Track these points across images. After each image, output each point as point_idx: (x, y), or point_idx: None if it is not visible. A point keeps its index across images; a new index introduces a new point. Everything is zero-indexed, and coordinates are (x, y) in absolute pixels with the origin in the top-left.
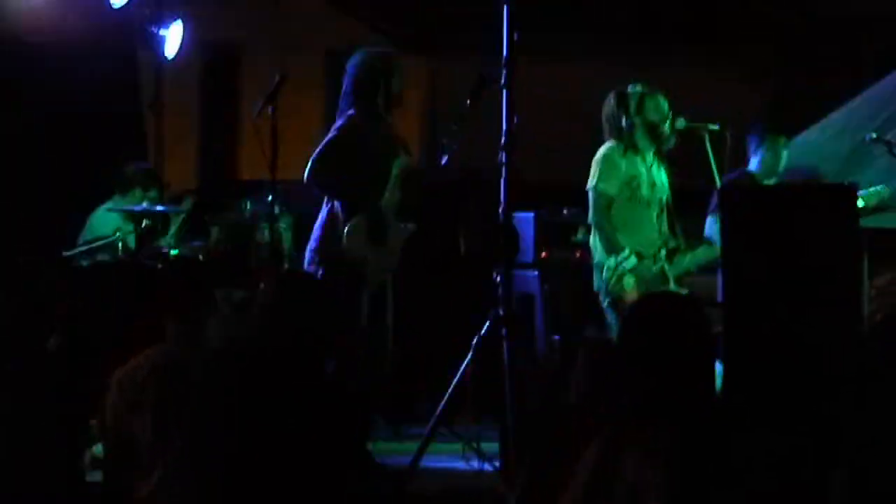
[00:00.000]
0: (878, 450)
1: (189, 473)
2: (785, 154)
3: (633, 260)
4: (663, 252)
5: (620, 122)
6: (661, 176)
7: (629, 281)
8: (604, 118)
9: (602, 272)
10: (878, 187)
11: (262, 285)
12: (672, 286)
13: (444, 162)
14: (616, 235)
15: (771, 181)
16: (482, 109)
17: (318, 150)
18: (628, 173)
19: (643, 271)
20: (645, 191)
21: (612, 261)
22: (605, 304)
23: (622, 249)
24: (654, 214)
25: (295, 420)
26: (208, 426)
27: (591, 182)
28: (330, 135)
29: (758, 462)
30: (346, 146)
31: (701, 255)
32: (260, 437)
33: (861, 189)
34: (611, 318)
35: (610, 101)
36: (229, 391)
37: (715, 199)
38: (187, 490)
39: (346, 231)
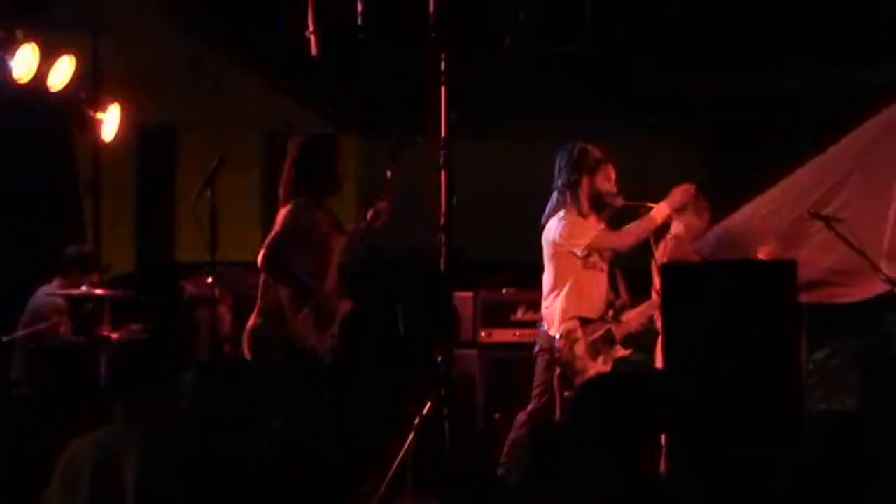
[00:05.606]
0: None
1: None
2: None
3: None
4: (610, 312)
5: (572, 174)
6: None
7: (580, 346)
8: (557, 166)
9: (553, 335)
10: None
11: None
12: (618, 347)
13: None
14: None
15: None
16: (421, 188)
17: (272, 238)
18: None
19: (591, 335)
20: (596, 255)
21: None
22: (547, 367)
23: (575, 316)
24: (603, 278)
25: None
26: None
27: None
28: (284, 223)
29: None
30: (299, 234)
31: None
32: None
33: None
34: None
35: (573, 151)
36: (155, 479)
37: None
38: None
39: (295, 318)
